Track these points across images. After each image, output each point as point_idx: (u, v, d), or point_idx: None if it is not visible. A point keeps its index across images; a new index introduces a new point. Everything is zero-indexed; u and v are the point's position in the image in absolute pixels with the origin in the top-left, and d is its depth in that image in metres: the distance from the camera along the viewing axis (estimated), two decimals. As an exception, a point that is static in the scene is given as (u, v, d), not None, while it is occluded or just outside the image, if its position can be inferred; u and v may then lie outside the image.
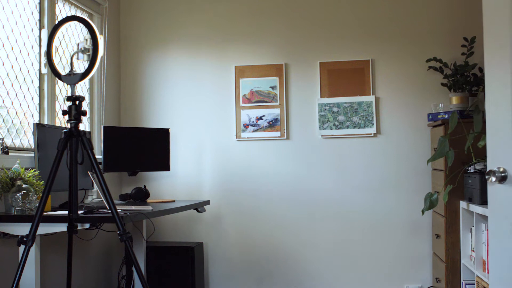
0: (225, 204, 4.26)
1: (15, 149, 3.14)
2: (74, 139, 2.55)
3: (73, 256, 3.01)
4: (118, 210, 2.61)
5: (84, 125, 3.97)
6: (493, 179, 1.81)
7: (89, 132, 3.93)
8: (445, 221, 3.50)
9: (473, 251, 3.23)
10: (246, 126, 4.23)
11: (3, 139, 2.93)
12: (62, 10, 3.71)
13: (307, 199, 4.16)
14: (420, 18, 4.07)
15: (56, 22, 3.07)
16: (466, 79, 3.74)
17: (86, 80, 3.52)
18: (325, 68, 4.15)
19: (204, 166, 4.29)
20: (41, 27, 3.43)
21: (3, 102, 3.07)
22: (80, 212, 2.67)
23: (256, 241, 4.23)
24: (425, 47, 4.03)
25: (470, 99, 3.70)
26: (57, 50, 3.63)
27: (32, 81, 3.36)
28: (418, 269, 4.03)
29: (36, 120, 3.38)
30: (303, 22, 4.22)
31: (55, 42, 2.73)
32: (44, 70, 3.42)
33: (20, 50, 3.25)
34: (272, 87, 4.21)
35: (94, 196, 3.62)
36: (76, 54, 2.69)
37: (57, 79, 3.20)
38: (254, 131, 4.21)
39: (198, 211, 3.84)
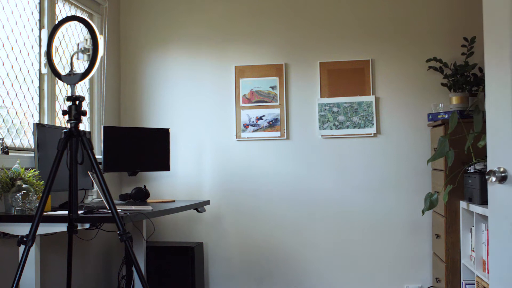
0: (225, 204, 4.26)
1: (15, 149, 3.14)
2: (74, 139, 2.55)
3: (73, 256, 3.02)
4: (118, 210, 2.61)
5: (84, 125, 3.97)
6: (493, 179, 1.81)
7: (89, 132, 3.93)
8: (445, 221, 3.50)
9: (473, 251, 3.23)
10: (246, 126, 4.23)
11: (3, 139, 2.93)
12: (62, 10, 3.71)
13: (307, 199, 4.16)
14: (420, 18, 4.07)
15: (56, 22, 3.07)
16: (466, 79, 3.74)
17: (86, 80, 3.52)
18: (325, 68, 4.15)
19: (204, 166, 4.29)
20: (41, 27, 3.43)
21: (3, 102, 3.07)
22: (80, 212, 2.67)
23: (256, 241, 4.23)
24: (425, 47, 4.03)
25: (470, 99, 3.70)
26: (57, 50, 3.63)
27: (32, 81, 3.36)
28: (418, 269, 4.03)
29: (36, 120, 3.38)
30: (303, 22, 4.22)
31: (55, 42, 2.73)
32: (44, 70, 3.42)
33: (20, 50, 3.25)
34: (272, 87, 4.21)
35: (94, 196, 3.62)
36: (76, 54, 2.69)
37: (57, 79, 3.20)
38: (254, 131, 4.21)
39: (198, 211, 3.84)
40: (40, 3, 3.43)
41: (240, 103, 4.24)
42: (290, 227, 4.19)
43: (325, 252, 4.15)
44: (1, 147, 2.89)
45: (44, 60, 3.40)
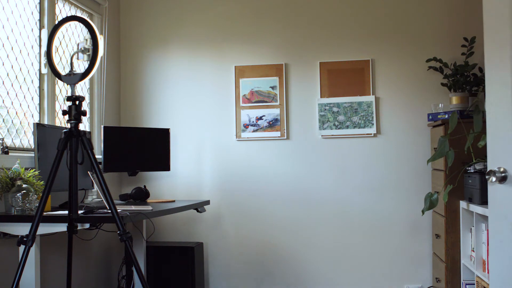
0: (225, 204, 4.26)
1: (15, 149, 3.14)
2: (74, 139, 2.55)
3: (73, 256, 3.02)
4: (118, 210, 2.61)
5: (84, 125, 3.97)
6: (493, 179, 1.81)
7: (89, 132, 3.93)
8: (445, 221, 3.50)
9: (473, 251, 3.23)
10: (246, 126, 4.23)
11: (3, 139, 2.93)
12: (62, 10, 3.71)
13: (307, 199, 4.16)
14: (420, 18, 4.07)
15: (56, 22, 3.07)
16: (466, 79, 3.74)
17: (86, 80, 3.52)
18: (325, 68, 4.15)
19: (204, 166, 4.29)
20: (41, 27, 3.43)
21: (3, 102, 3.07)
22: (80, 212, 2.67)
23: (256, 241, 4.23)
24: (425, 47, 4.03)
25: (470, 99, 3.70)
26: (57, 50, 3.63)
27: (32, 81, 3.36)
28: (418, 269, 4.03)
29: (36, 120, 3.38)
30: (303, 22, 4.22)
31: (55, 42, 2.73)
32: (44, 70, 3.42)
33: (20, 50, 3.25)
34: (272, 87, 4.21)
35: (94, 196, 3.62)
36: (76, 54, 2.69)
37: (57, 79, 3.20)
38: (254, 131, 4.21)
39: (198, 211, 3.84)
40: (40, 3, 3.43)
41: (240, 103, 4.24)
42: (290, 227, 4.19)
43: (325, 252, 4.15)
44: (1, 147, 2.89)
45: (44, 60, 3.40)
